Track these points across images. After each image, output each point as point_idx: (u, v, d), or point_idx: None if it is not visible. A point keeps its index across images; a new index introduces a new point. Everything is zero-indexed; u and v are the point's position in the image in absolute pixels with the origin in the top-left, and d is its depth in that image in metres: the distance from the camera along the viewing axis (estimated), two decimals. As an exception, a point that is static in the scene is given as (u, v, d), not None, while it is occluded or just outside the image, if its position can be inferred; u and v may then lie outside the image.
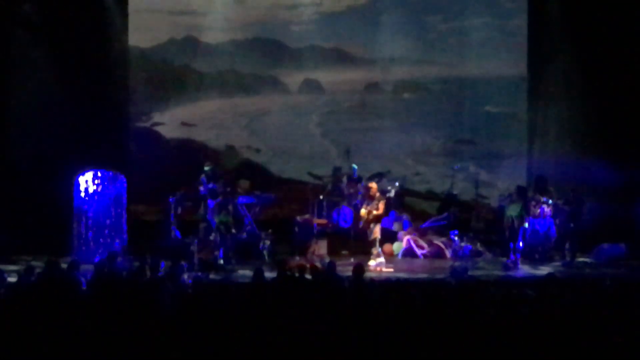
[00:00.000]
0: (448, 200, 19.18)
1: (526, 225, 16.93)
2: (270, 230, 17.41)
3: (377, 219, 16.92)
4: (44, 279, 12.03)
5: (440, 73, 20.23)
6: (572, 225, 17.07)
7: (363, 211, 17.00)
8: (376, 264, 16.42)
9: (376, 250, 16.76)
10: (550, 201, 17.19)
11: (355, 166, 18.35)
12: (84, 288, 11.97)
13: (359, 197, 17.66)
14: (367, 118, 20.35)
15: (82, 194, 16.89)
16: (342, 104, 20.38)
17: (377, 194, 16.98)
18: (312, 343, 9.41)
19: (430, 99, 20.38)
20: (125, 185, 17.19)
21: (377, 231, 16.86)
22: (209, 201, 17.11)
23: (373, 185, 17.21)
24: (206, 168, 17.70)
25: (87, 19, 18.59)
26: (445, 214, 18.74)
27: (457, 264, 15.88)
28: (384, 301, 10.80)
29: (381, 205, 16.88)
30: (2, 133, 18.45)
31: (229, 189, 17.25)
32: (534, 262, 16.98)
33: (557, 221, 17.29)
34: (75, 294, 11.57)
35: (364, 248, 16.98)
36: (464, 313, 9.97)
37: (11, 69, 18.41)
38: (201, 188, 17.47)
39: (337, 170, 18.80)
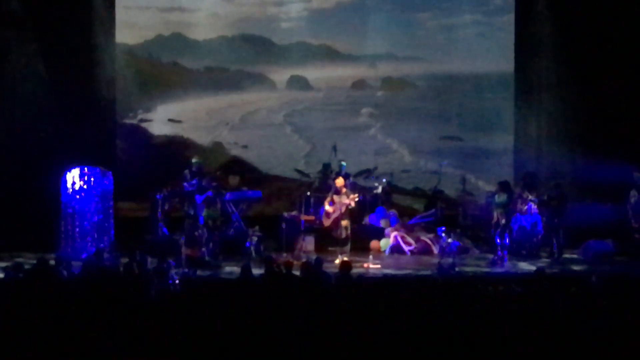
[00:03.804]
0: (435, 197, 19.20)
1: (512, 221, 16.98)
2: (257, 227, 17.41)
3: (350, 214, 16.82)
4: (32, 276, 12.00)
5: (428, 70, 20.25)
6: (556, 220, 17.09)
7: (328, 207, 16.86)
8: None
9: (345, 251, 16.60)
10: (536, 199, 17.21)
11: (344, 163, 18.31)
12: (71, 284, 11.95)
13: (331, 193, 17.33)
14: (354, 114, 20.36)
15: (69, 191, 16.81)
16: (329, 100, 20.37)
17: (344, 190, 16.89)
18: (300, 339, 9.42)
19: (417, 96, 20.40)
20: (112, 181, 17.13)
21: (348, 227, 16.74)
22: (196, 196, 17.02)
23: (339, 180, 17.11)
24: (193, 161, 17.60)
25: (74, 16, 18.52)
26: (432, 211, 18.76)
27: (444, 260, 15.87)
28: (371, 297, 10.82)
29: (351, 200, 16.76)
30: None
31: (214, 184, 17.17)
32: (521, 258, 17.01)
33: (544, 217, 17.31)
34: (62, 290, 11.54)
35: (354, 244, 16.96)
36: (451, 309, 9.99)
37: (-3, 65, 18.36)
38: (185, 184, 17.37)
39: (326, 167, 18.77)
